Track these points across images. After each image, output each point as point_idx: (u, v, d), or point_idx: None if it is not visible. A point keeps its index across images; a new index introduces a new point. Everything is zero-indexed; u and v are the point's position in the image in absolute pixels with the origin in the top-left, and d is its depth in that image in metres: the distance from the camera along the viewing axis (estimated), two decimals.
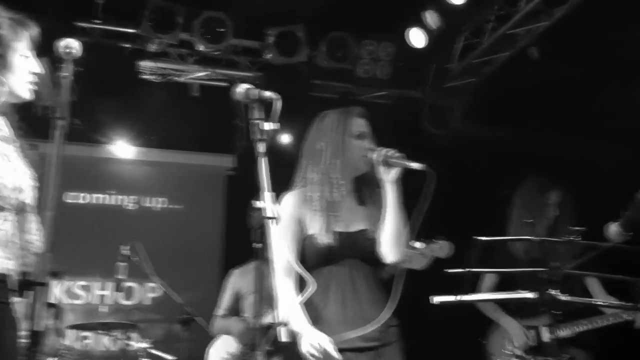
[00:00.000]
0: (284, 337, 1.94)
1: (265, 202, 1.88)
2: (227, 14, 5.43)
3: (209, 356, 4.37)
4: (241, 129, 2.03)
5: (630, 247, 2.66)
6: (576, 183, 4.21)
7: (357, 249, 2.60)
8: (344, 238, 2.58)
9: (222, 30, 5.41)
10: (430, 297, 2.57)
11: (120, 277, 4.69)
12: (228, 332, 4.33)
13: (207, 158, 6.83)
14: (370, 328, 2.38)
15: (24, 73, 2.21)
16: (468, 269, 2.44)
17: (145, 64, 5.66)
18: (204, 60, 5.81)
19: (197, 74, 5.90)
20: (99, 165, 6.50)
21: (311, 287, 2.01)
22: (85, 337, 5.94)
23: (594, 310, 3.78)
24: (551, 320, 3.37)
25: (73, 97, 2.07)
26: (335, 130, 2.69)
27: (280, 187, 2.29)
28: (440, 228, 2.94)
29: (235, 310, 4.43)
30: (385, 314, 2.38)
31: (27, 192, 2.13)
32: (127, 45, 5.53)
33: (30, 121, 2.36)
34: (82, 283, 6.19)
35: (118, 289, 4.74)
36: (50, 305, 4.94)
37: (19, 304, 2.06)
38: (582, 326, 3.75)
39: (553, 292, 2.58)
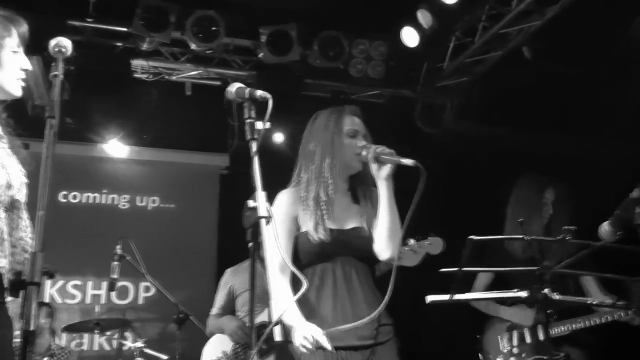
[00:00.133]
0: (278, 337, 1.94)
1: (259, 201, 1.89)
2: (219, 12, 5.42)
3: (204, 354, 4.36)
4: (233, 128, 2.04)
5: (620, 246, 2.68)
6: (575, 182, 4.23)
7: (350, 247, 2.61)
8: (336, 235, 2.59)
9: (214, 29, 5.40)
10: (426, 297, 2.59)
11: (114, 276, 4.68)
12: (222, 331, 4.33)
13: (201, 157, 6.83)
14: (363, 322, 2.38)
15: (14, 69, 2.19)
16: (461, 268, 2.45)
17: (137, 63, 5.65)
18: (196, 59, 5.79)
19: (189, 73, 5.90)
20: (91, 165, 6.49)
21: (304, 287, 2.01)
22: (79, 337, 5.94)
23: (590, 309, 3.79)
24: (545, 318, 3.38)
25: (65, 96, 2.06)
26: (325, 129, 2.71)
27: (273, 185, 2.29)
28: (437, 227, 2.94)
29: (229, 309, 4.43)
30: (378, 311, 2.38)
31: (18, 188, 2.12)
32: (120, 44, 5.51)
33: (22, 120, 2.35)
34: (76, 282, 6.17)
35: (111, 288, 4.72)
36: (44, 304, 4.93)
37: (11, 303, 2.05)
38: (577, 324, 3.76)
39: (545, 290, 2.59)
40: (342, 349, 2.46)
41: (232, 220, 2.38)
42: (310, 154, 2.71)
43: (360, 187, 2.75)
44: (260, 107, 2.02)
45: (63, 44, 2.05)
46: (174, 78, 5.92)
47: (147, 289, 6.30)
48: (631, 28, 4.83)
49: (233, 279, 4.47)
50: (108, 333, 4.84)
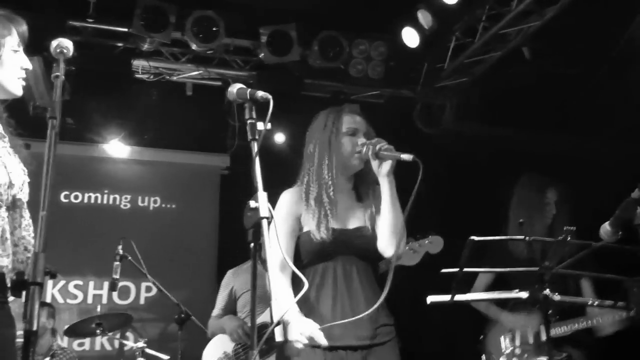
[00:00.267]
0: (279, 337, 1.94)
1: (260, 202, 1.89)
2: (219, 12, 5.42)
3: (205, 355, 4.36)
4: (233, 128, 2.04)
5: (620, 246, 2.68)
6: (575, 182, 4.22)
7: (352, 246, 2.61)
8: (338, 235, 2.59)
9: (214, 29, 5.41)
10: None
11: (115, 276, 4.68)
12: (223, 331, 4.33)
13: (202, 157, 6.83)
14: (358, 317, 2.38)
15: (14, 68, 2.19)
16: (462, 269, 2.45)
17: (138, 63, 5.65)
18: (197, 59, 5.80)
19: (190, 73, 5.90)
20: (92, 165, 6.50)
21: (305, 287, 2.01)
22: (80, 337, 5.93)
23: (584, 310, 3.78)
24: (546, 319, 3.38)
25: (65, 96, 2.06)
26: (324, 130, 2.72)
27: (273, 186, 2.30)
28: (437, 227, 2.95)
29: (231, 310, 4.43)
30: (375, 307, 2.38)
31: (19, 187, 2.12)
32: (120, 44, 5.51)
33: (23, 120, 2.35)
34: (77, 282, 6.18)
35: (113, 288, 4.72)
36: (45, 304, 4.94)
37: (13, 303, 2.06)
38: (578, 324, 3.75)
39: (546, 291, 2.59)
40: (340, 348, 2.46)
41: (233, 221, 2.38)
42: (310, 155, 2.73)
43: (363, 185, 2.75)
44: (260, 107, 2.03)
45: (64, 44, 2.05)
46: (174, 78, 5.93)
47: (148, 289, 6.30)
48: (631, 28, 4.83)
49: (234, 280, 4.47)
50: (110, 334, 4.83)
